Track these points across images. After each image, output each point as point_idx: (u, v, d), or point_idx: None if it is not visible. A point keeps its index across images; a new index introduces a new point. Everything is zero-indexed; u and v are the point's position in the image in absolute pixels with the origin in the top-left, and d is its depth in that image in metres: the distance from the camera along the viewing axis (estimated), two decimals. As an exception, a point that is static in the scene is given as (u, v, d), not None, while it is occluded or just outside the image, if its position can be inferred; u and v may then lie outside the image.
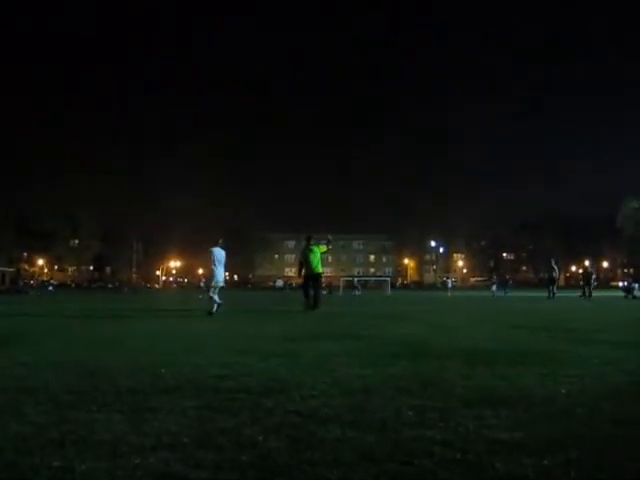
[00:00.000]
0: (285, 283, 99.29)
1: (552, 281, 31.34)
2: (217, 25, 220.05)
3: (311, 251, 17.06)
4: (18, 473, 2.51)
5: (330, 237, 18.67)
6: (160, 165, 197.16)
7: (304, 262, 17.16)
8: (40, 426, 3.23)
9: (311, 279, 16.94)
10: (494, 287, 47.96)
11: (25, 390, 4.21)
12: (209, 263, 15.58)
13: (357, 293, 57.79)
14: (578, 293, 34.56)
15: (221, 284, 15.45)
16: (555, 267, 32.00)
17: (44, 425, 3.25)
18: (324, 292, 55.05)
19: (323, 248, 17.58)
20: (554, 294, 30.23)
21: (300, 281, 17.76)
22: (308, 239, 17.57)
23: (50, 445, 2.88)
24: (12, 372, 5.05)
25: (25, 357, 6.01)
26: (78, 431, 3.12)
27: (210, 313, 14.45)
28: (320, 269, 17.06)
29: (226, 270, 16.05)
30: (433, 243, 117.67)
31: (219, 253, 15.60)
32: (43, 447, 2.85)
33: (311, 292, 16.77)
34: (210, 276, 15.69)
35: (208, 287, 15.35)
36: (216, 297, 15.03)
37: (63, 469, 2.54)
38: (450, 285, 61.75)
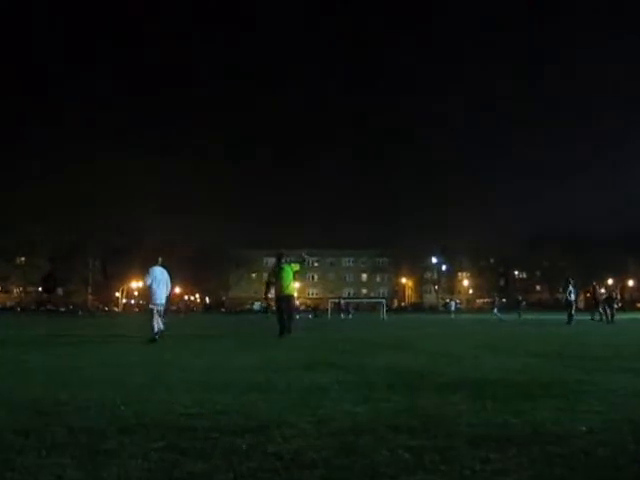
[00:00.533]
0: (264, 306, 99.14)
1: (569, 304, 31.30)
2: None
3: (282, 269, 17.20)
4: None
5: (305, 255, 18.69)
6: (121, 174, 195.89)
7: (275, 282, 17.33)
8: (-21, 473, 3.19)
9: (282, 301, 17.05)
10: (495, 310, 48.16)
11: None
12: (144, 282, 16.23)
13: (348, 317, 57.87)
14: (588, 316, 34.87)
15: (159, 306, 15.82)
16: (572, 288, 31.97)
17: (-17, 472, 3.21)
18: (310, 316, 55.31)
19: (296, 267, 17.65)
20: (571, 318, 30.18)
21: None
22: (279, 257, 17.72)
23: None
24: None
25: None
26: (24, 478, 3.08)
27: (152, 340, 14.70)
28: (292, 290, 17.33)
29: (170, 291, 16.39)
30: (434, 260, 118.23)
31: (159, 272, 16.10)
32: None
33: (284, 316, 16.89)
34: (150, 297, 16.01)
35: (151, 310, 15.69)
36: (155, 322, 15.38)
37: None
38: (453, 307, 61.87)
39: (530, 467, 3.23)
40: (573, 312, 30.81)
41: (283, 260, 17.47)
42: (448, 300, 72.20)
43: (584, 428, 4.16)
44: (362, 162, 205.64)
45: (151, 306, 15.67)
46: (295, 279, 17.57)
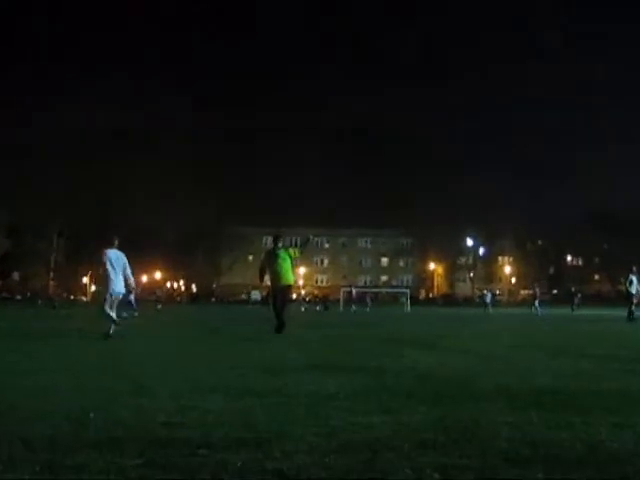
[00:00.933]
0: (264, 295, 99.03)
1: (630, 297, 30.89)
2: None
3: (278, 256, 17.46)
4: None
5: (311, 236, 19.32)
6: (93, 133, 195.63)
7: (270, 270, 17.62)
8: None
9: (278, 292, 17.38)
10: (537, 303, 49.02)
11: None
12: (100, 269, 16.34)
13: (365, 309, 57.97)
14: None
15: (118, 294, 16.24)
16: (635, 278, 31.55)
17: None
18: (318, 308, 55.41)
19: (296, 252, 18.02)
20: (632, 314, 29.74)
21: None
22: (276, 239, 18.08)
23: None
24: None
25: None
26: (-25, 498, 3.12)
27: (107, 335, 15.00)
28: (291, 279, 17.62)
29: (130, 276, 16.61)
30: (470, 242, 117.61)
31: (115, 255, 16.32)
32: None
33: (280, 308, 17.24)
34: (105, 285, 16.15)
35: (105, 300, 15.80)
36: (112, 312, 15.79)
37: None
38: (489, 299, 61.56)
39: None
40: (633, 307, 30.61)
41: (280, 243, 17.83)
42: (485, 291, 71.58)
43: (648, 447, 4.17)
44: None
45: (107, 296, 15.86)
46: (294, 266, 17.84)
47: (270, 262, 17.54)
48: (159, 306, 59.82)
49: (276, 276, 17.28)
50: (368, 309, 60.38)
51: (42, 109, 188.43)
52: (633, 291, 30.83)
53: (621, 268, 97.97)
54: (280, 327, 16.67)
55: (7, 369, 8.51)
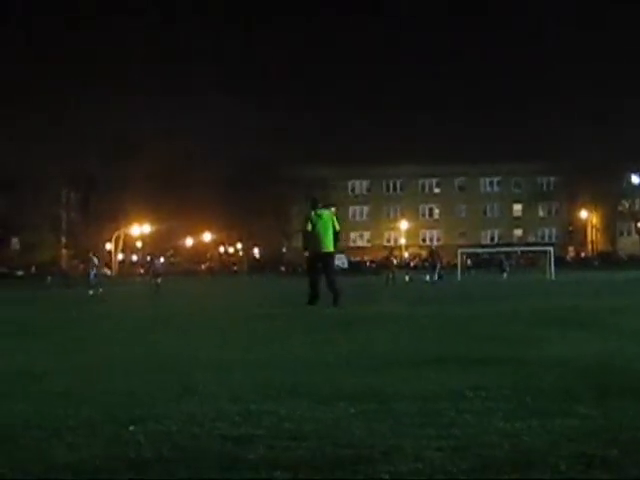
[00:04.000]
0: (352, 261, 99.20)
1: None
2: None
3: (320, 217, 20.74)
4: None
5: (333, 209, 22.41)
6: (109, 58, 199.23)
7: (311, 235, 20.71)
8: None
9: (319, 260, 20.65)
10: None
11: None
12: None
13: (503, 276, 57.73)
14: None
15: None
16: None
17: None
18: (427, 278, 55.25)
19: (335, 221, 21.06)
20: None
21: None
22: (313, 202, 21.63)
23: None
24: None
25: None
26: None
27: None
28: (330, 247, 20.67)
29: None
30: (636, 179, 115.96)
31: None
32: None
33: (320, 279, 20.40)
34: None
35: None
36: None
37: None
38: None
39: None
40: None
41: (320, 205, 21.32)
42: None
43: None
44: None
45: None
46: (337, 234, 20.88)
47: (312, 225, 20.47)
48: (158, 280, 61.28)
49: (317, 242, 20.42)
50: (505, 276, 60.24)
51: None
52: None
53: None
54: (314, 301, 19.75)
55: (22, 372, 8.68)
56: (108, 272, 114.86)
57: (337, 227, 20.82)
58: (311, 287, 20.07)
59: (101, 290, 40.50)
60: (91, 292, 37.16)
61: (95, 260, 49.22)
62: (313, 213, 20.56)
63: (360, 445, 4.61)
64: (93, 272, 44.92)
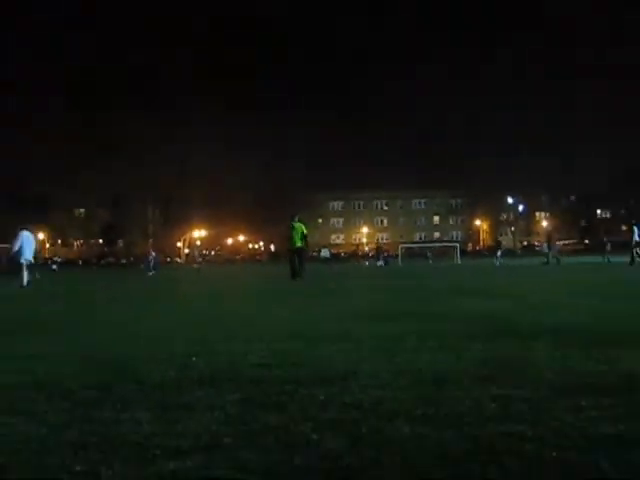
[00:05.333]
0: (332, 253, 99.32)
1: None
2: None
3: (293, 227, 22.29)
4: (36, 479, 2.59)
5: (296, 218, 23.10)
6: (180, 116, 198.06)
7: (288, 237, 22.44)
8: (57, 426, 3.30)
9: (293, 253, 22.29)
10: (547, 253, 41.75)
11: (37, 385, 4.31)
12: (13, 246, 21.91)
13: (429, 262, 57.74)
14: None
15: (28, 261, 21.34)
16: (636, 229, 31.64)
17: (61, 425, 3.32)
18: (379, 262, 55.50)
19: (304, 228, 22.52)
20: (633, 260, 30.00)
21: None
22: (292, 217, 22.91)
23: (70, 447, 2.94)
24: (20, 365, 5.15)
25: (35, 348, 6.16)
26: (101, 432, 3.17)
27: (21, 287, 20.13)
28: (299, 244, 22.13)
29: (35, 250, 22.31)
30: (510, 200, 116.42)
31: (26, 235, 21.60)
32: (62, 449, 2.91)
33: (297, 264, 21.97)
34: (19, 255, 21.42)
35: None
36: (25, 274, 20.97)
37: (86, 474, 2.59)
38: (547, 249, 61.15)
39: (623, 416, 3.19)
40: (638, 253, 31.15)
41: (296, 218, 22.58)
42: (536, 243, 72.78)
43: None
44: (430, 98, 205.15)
45: (22, 261, 20.94)
46: (305, 236, 22.41)
47: (288, 231, 22.40)
48: (196, 266, 64.58)
49: (291, 241, 22.17)
50: (430, 261, 60.80)
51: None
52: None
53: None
54: (294, 276, 21.42)
55: (123, 324, 8.67)
56: (179, 260, 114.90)
57: (305, 231, 22.47)
58: (291, 268, 21.91)
59: (154, 272, 41.86)
60: (150, 274, 38.16)
61: (152, 254, 51.16)
62: (291, 223, 22.44)
63: (339, 369, 4.61)
64: (151, 263, 46.35)
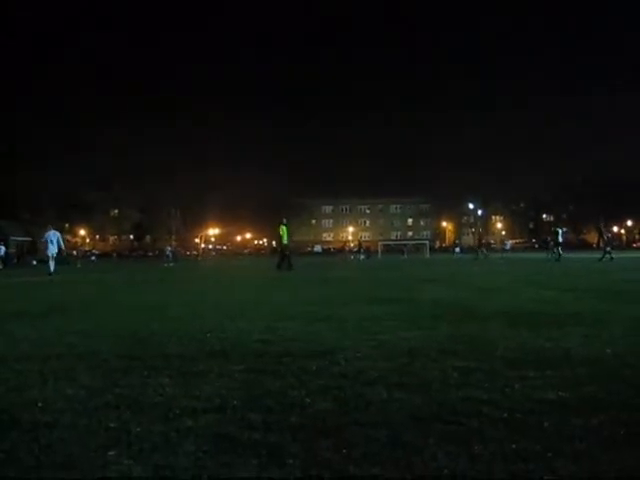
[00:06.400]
0: (324, 248, 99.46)
1: (607, 243, 30.81)
2: None
3: (280, 229, 23.15)
4: (77, 433, 2.60)
5: (284, 220, 24.23)
6: (192, 135, 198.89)
7: (276, 236, 24.04)
8: (94, 390, 3.32)
9: (283, 248, 23.08)
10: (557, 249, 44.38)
11: (77, 356, 4.33)
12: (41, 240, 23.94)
13: (404, 256, 57.72)
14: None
15: (52, 254, 21.76)
16: (603, 229, 30.97)
17: (98, 389, 3.34)
18: (362, 257, 55.58)
19: (285, 230, 23.23)
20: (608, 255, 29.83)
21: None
22: (280, 220, 23.97)
23: (105, 408, 2.97)
24: (63, 339, 5.17)
25: (75, 325, 6.18)
26: (131, 395, 3.20)
27: (49, 274, 20.55)
28: (285, 241, 22.98)
29: (60, 245, 22.26)
30: (471, 205, 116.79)
31: (52, 234, 21.97)
32: (98, 409, 2.95)
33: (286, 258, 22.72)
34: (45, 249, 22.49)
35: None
36: (51, 264, 21.60)
37: (119, 430, 2.62)
38: (508, 247, 65.59)
39: (563, 385, 3.23)
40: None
41: (284, 221, 23.68)
42: (506, 241, 75.94)
43: (609, 351, 4.13)
44: (402, 129, 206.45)
45: (48, 254, 21.78)
46: (290, 236, 23.67)
47: (276, 232, 23.56)
48: (199, 257, 66.45)
49: (278, 239, 23.45)
50: (405, 256, 60.42)
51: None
52: (607, 239, 30.71)
53: (583, 222, 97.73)
54: (279, 266, 22.10)
55: (147, 306, 8.65)
56: (195, 253, 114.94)
57: (288, 233, 23.23)
58: (280, 260, 22.61)
59: (173, 264, 41.20)
60: (166, 265, 38.06)
61: (169, 248, 53.00)
62: (280, 225, 23.18)
63: (327, 344, 4.63)
64: (170, 256, 48.28)
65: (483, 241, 48.71)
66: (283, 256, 22.78)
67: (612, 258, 27.26)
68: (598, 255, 29.00)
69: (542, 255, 45.36)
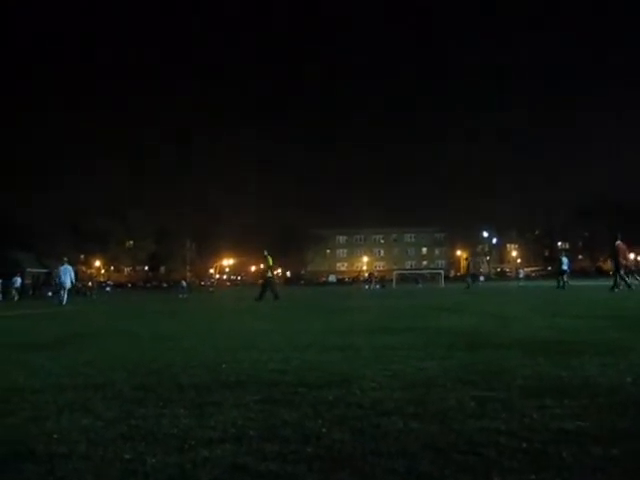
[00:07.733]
0: (339, 278, 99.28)
1: (561, 273, 30.77)
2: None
3: (267, 260, 24.09)
4: (93, 464, 2.60)
5: (265, 252, 24.96)
6: (208, 164, 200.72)
7: (267, 267, 24.29)
8: (109, 421, 3.32)
9: (269, 278, 24.07)
10: (472, 279, 46.78)
11: (92, 387, 4.33)
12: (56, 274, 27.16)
13: (418, 286, 57.38)
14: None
15: (66, 286, 24.01)
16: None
17: (113, 420, 3.34)
18: (377, 286, 55.48)
19: (270, 260, 24.30)
20: (563, 284, 29.73)
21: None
22: (265, 254, 24.43)
23: (120, 439, 2.96)
24: (78, 370, 5.18)
25: (90, 356, 6.19)
26: (146, 426, 3.20)
27: (60, 303, 23.21)
28: (272, 273, 24.38)
29: (73, 277, 25.13)
30: (485, 234, 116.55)
31: (64, 268, 24.23)
32: (114, 440, 2.94)
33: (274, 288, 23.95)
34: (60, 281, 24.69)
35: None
36: (65, 295, 23.78)
37: (134, 462, 2.62)
38: (522, 275, 65.54)
39: (582, 414, 3.18)
40: (565, 279, 30.82)
41: (265, 253, 24.41)
42: (508, 269, 75.36)
43: (630, 380, 4.08)
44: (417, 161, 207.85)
45: (60, 284, 24.02)
46: (274, 266, 25.18)
47: (266, 264, 24.28)
48: (211, 289, 67.13)
49: (267, 270, 24.10)
50: (420, 285, 60.07)
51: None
52: (564, 269, 30.88)
53: (599, 249, 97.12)
54: (260, 298, 22.63)
55: (162, 337, 8.65)
56: (209, 284, 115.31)
57: (271, 263, 24.06)
58: (262, 292, 23.23)
59: (186, 295, 41.94)
60: (180, 296, 38.77)
61: (183, 283, 54.14)
62: (267, 255, 23.99)
63: (343, 374, 4.59)
64: (184, 289, 49.45)
65: (472, 271, 48.83)
66: (266, 287, 23.50)
67: (630, 286, 22.20)
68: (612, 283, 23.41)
69: (554, 283, 45.17)
